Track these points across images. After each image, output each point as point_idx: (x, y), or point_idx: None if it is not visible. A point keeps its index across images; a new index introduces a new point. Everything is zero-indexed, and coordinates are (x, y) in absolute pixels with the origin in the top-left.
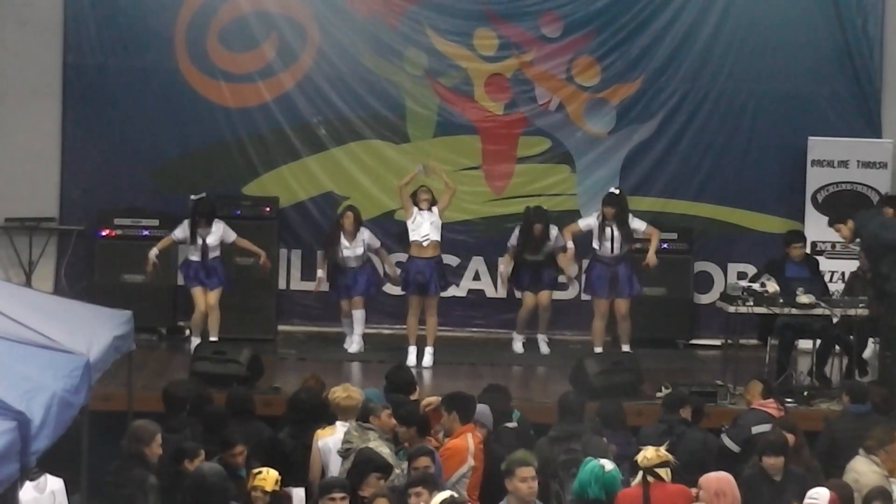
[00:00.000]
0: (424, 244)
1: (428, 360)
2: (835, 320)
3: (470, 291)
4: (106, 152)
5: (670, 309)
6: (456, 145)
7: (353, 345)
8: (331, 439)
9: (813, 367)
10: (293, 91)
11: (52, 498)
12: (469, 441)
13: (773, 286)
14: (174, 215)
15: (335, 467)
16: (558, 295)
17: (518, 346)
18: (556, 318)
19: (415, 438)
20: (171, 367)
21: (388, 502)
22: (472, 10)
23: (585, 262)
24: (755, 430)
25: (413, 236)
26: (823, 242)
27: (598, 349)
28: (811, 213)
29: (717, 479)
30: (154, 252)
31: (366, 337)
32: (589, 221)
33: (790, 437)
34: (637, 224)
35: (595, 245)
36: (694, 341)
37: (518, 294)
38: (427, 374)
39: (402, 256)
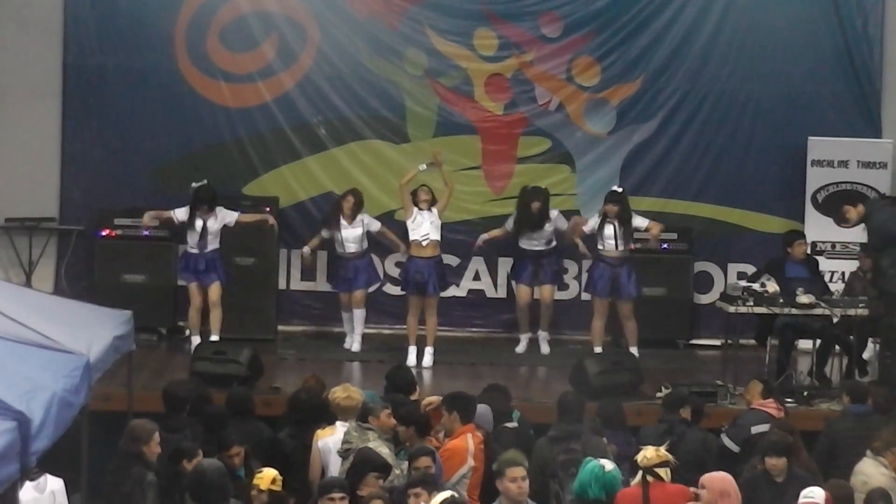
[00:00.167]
0: (424, 243)
1: (428, 360)
2: (835, 320)
3: (470, 291)
4: (106, 152)
5: (670, 309)
6: (456, 145)
7: (354, 343)
8: (331, 439)
9: (813, 367)
10: (293, 91)
11: (52, 498)
12: (469, 441)
13: (773, 286)
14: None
15: (335, 467)
16: (559, 295)
17: (522, 347)
18: (556, 318)
19: (415, 438)
20: (171, 367)
21: (384, 503)
22: (472, 10)
23: (586, 263)
24: (754, 430)
25: (413, 236)
26: (823, 242)
27: (598, 349)
28: (811, 213)
29: (722, 480)
30: (150, 214)
31: (366, 337)
32: (591, 223)
33: None
34: (639, 221)
35: (599, 246)
36: (694, 341)
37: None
38: (427, 374)
39: (403, 256)
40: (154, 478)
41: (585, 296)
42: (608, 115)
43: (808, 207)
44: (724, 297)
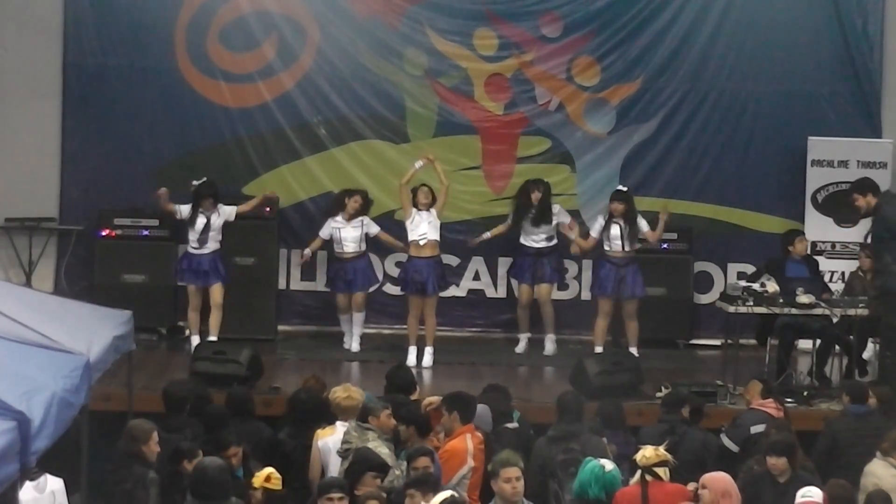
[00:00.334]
0: (422, 243)
1: (428, 360)
2: (835, 320)
3: (470, 291)
4: (106, 152)
5: (670, 309)
6: (456, 145)
7: (354, 344)
8: (331, 439)
9: (813, 367)
10: (293, 91)
11: (52, 498)
12: (468, 442)
13: (772, 286)
14: (174, 215)
15: (335, 467)
16: (559, 295)
17: (521, 347)
18: (556, 318)
19: (416, 438)
20: (171, 367)
21: (380, 503)
22: (472, 10)
23: (586, 262)
24: (754, 430)
25: (411, 236)
26: (823, 242)
27: (599, 348)
28: (811, 213)
29: (723, 480)
30: (164, 193)
31: (366, 337)
32: (596, 225)
33: None
34: (642, 225)
35: (606, 246)
36: (694, 341)
37: (515, 291)
38: (427, 374)
39: (402, 256)
40: (156, 476)
41: (585, 295)
42: (608, 115)
43: (808, 207)
44: (724, 297)
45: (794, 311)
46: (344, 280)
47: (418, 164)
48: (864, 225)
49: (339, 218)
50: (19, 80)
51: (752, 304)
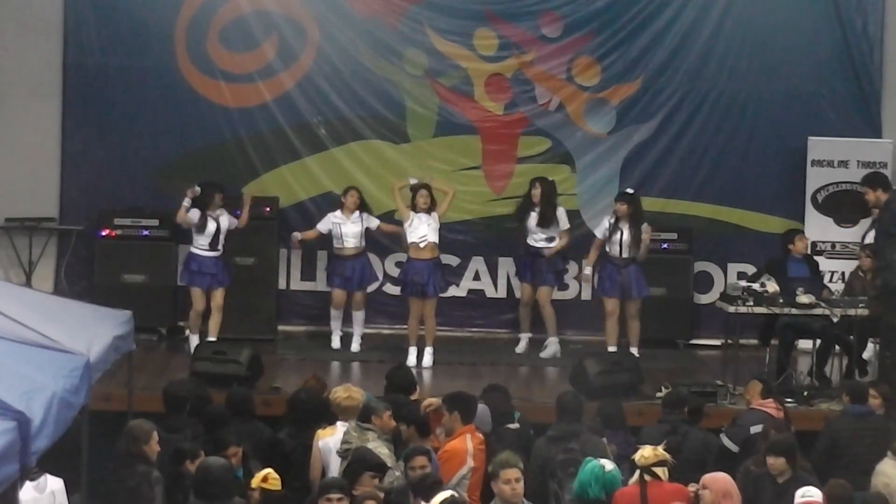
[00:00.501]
0: (422, 245)
1: (428, 360)
2: (835, 320)
3: (470, 291)
4: (106, 152)
5: (670, 309)
6: (456, 145)
7: (354, 344)
8: (331, 439)
9: (813, 367)
10: (293, 91)
11: (52, 498)
12: (468, 442)
13: (773, 286)
14: (174, 215)
15: (335, 467)
16: (559, 295)
17: (521, 347)
18: (556, 318)
19: (416, 438)
20: (171, 367)
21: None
22: (472, 10)
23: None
24: (754, 430)
25: (410, 238)
26: (823, 242)
27: (612, 349)
28: (811, 213)
29: (724, 480)
30: (189, 200)
31: (366, 337)
32: (601, 227)
33: None
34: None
35: (606, 248)
36: (694, 341)
37: (517, 292)
38: (427, 374)
39: (402, 257)
40: (159, 475)
41: (586, 295)
42: (608, 115)
43: (808, 207)
44: (724, 297)
45: (794, 311)
46: (343, 276)
47: (412, 180)
48: (864, 225)
49: (339, 213)
50: (19, 80)
51: (752, 304)
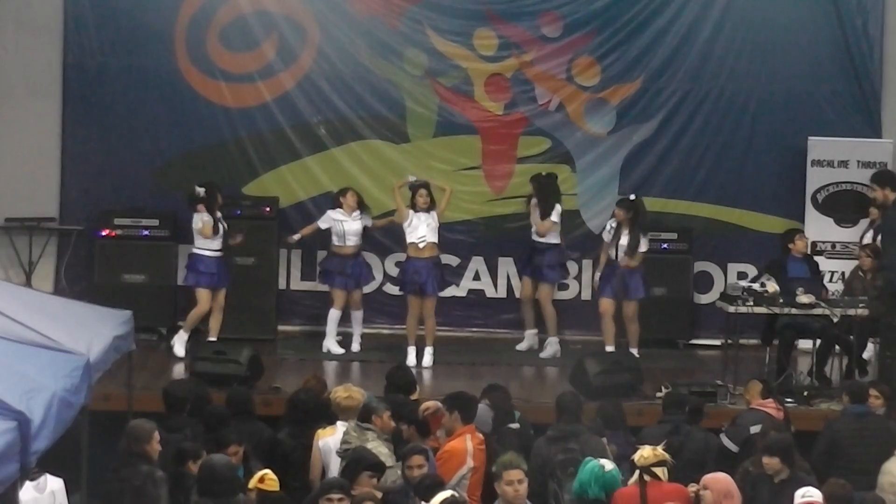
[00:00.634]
0: (421, 245)
1: (427, 360)
2: (835, 320)
3: (470, 291)
4: (106, 152)
5: (670, 309)
6: (456, 145)
7: (354, 343)
8: (331, 439)
9: (813, 367)
10: (293, 91)
11: (52, 498)
12: (468, 442)
13: (773, 286)
14: (174, 215)
15: (335, 467)
16: (560, 295)
17: (524, 345)
18: (557, 318)
19: (416, 438)
20: (171, 367)
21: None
22: (472, 10)
23: (586, 262)
24: (753, 430)
25: (410, 238)
26: (823, 242)
27: (610, 348)
28: (811, 213)
29: (725, 480)
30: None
31: (365, 337)
32: (607, 228)
33: None
34: (642, 245)
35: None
36: (694, 341)
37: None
38: (427, 374)
39: (402, 257)
40: (163, 474)
41: (586, 296)
42: (608, 115)
43: (808, 207)
44: (724, 297)
45: (794, 311)
46: (343, 274)
47: (411, 178)
48: (863, 225)
49: (340, 211)
50: (19, 80)
51: (752, 304)
